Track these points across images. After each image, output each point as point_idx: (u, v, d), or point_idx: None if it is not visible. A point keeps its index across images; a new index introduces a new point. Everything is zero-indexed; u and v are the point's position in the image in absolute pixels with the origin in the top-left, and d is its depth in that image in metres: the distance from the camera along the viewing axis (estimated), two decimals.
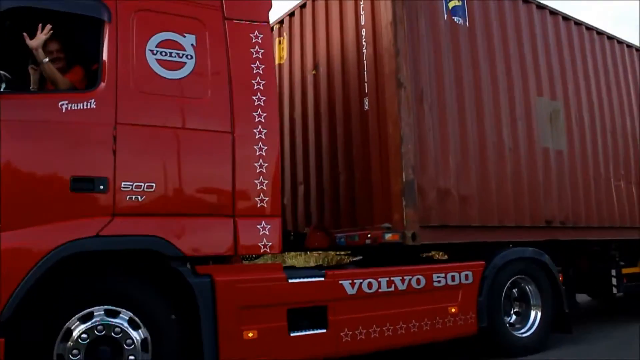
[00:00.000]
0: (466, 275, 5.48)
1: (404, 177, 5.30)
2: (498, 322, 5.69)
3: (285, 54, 6.95)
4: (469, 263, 5.60)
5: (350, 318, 4.69)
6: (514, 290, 6.06)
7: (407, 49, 5.50)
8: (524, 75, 6.52)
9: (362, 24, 5.85)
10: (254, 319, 4.22)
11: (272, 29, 7.18)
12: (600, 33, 7.58)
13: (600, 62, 7.48)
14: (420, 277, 5.15)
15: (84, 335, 3.71)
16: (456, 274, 5.41)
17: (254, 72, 4.54)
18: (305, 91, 6.57)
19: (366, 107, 5.74)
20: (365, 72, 5.77)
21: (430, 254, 7.50)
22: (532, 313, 6.07)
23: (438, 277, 5.28)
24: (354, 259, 6.90)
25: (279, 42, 7.05)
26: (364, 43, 5.81)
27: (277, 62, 7.07)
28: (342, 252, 7.58)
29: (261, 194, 4.41)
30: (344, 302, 4.68)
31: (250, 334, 4.18)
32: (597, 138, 7.17)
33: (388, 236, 5.20)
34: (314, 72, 6.49)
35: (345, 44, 6.07)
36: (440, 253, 7.46)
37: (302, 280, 4.52)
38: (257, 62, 4.57)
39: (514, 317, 6.04)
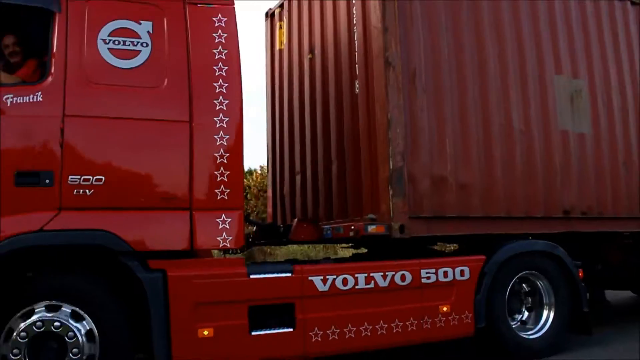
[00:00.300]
0: (461, 271, 5.04)
1: (391, 164, 4.94)
2: (500, 322, 5.19)
3: (285, 39, 6.69)
4: (465, 257, 5.16)
5: (321, 317, 4.41)
6: (523, 287, 5.55)
7: (397, 26, 5.11)
8: (538, 52, 5.93)
9: (353, 1, 5.50)
10: (211, 316, 4.04)
11: (273, 13, 6.96)
12: (635, 3, 6.78)
13: (635, 34, 6.69)
14: (405, 273, 4.78)
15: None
16: (449, 270, 4.98)
17: (217, 57, 4.34)
18: (302, 77, 6.31)
19: (357, 91, 5.41)
20: (356, 54, 5.44)
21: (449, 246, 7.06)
22: (545, 312, 5.51)
23: (427, 273, 4.88)
24: (358, 252, 6.58)
25: (280, 27, 6.80)
26: (354, 22, 5.47)
27: (277, 47, 6.84)
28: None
29: (222, 186, 4.21)
30: (314, 300, 4.40)
31: (206, 332, 4.00)
32: (628, 120, 6.43)
33: (371, 228, 4.87)
34: (310, 56, 6.20)
35: (338, 24, 5.75)
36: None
37: (265, 276, 4.29)
38: (220, 47, 4.36)
39: (523, 316, 5.52)
